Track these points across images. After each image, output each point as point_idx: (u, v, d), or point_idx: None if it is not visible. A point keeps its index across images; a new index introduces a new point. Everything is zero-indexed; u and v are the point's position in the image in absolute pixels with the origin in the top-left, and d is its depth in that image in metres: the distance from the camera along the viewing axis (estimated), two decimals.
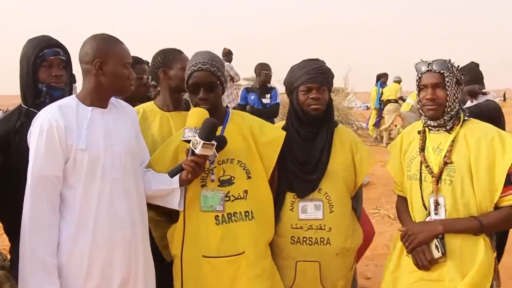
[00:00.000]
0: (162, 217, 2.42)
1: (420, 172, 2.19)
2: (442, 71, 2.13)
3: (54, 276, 1.90)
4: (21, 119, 2.28)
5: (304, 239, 2.36)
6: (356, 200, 2.55)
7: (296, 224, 2.37)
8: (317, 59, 2.49)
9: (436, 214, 2.12)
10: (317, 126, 2.42)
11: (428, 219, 2.15)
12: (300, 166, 2.40)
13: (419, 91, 2.21)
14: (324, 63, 2.47)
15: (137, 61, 3.16)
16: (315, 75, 2.38)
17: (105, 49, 2.01)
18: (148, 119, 2.57)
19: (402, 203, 2.39)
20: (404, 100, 11.90)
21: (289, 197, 2.40)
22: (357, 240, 2.46)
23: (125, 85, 2.07)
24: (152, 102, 2.69)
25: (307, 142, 2.42)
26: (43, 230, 1.90)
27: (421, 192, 2.18)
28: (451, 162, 2.12)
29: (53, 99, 2.19)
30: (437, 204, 2.12)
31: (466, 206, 2.08)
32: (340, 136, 2.48)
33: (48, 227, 1.91)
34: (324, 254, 2.35)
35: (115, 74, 2.02)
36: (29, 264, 1.88)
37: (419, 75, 2.19)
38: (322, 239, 2.35)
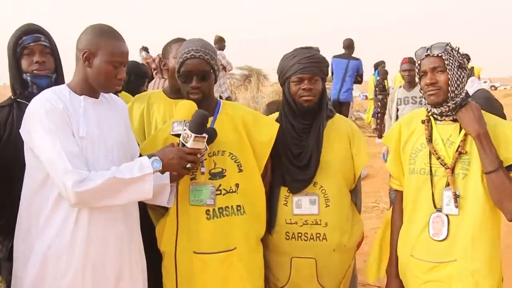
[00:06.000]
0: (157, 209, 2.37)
1: (430, 165, 2.07)
2: (440, 54, 2.02)
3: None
4: (12, 111, 2.22)
5: (299, 234, 2.28)
6: (355, 193, 2.47)
7: (290, 219, 2.30)
8: (310, 47, 2.40)
9: (456, 207, 2.00)
10: (310, 118, 2.34)
11: (434, 216, 2.03)
12: (294, 160, 2.32)
13: (420, 79, 2.09)
14: (318, 51, 2.39)
15: None
16: (307, 65, 2.29)
17: (97, 42, 1.93)
18: (153, 105, 2.55)
19: (400, 207, 2.24)
20: None
21: (283, 191, 2.33)
22: (356, 235, 2.38)
23: (109, 84, 1.98)
24: (161, 89, 2.73)
25: (301, 135, 2.34)
26: (117, 172, 1.84)
27: (432, 187, 2.05)
28: (465, 153, 2.02)
29: (40, 89, 2.11)
30: (456, 196, 2.00)
31: (477, 201, 1.99)
32: (336, 126, 2.39)
33: (113, 171, 1.84)
34: (321, 250, 2.28)
35: (101, 70, 1.93)
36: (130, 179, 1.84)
37: (419, 61, 2.08)
38: (318, 235, 2.27)
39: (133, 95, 2.92)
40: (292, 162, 2.32)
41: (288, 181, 2.32)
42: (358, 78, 8.31)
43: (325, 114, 2.37)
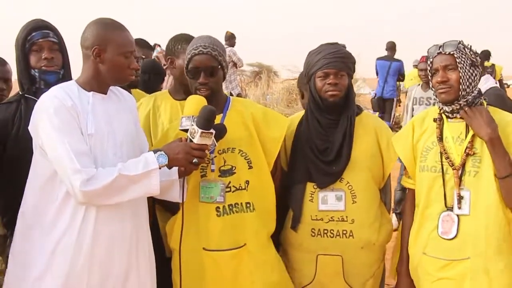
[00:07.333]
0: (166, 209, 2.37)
1: (442, 164, 2.07)
2: (452, 52, 2.02)
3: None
4: (20, 107, 2.22)
5: (325, 231, 2.26)
6: (385, 192, 2.44)
7: (316, 215, 2.28)
8: (336, 43, 2.38)
9: (459, 208, 2.01)
10: (336, 114, 2.31)
11: (444, 214, 2.03)
12: (320, 156, 2.30)
13: (432, 77, 2.09)
14: (344, 47, 2.37)
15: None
16: (332, 60, 2.27)
17: (104, 36, 1.92)
18: (159, 107, 2.53)
19: (412, 206, 2.23)
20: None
21: (309, 187, 2.31)
22: (385, 234, 2.35)
23: (124, 75, 1.98)
24: (167, 90, 2.69)
25: (328, 131, 2.32)
26: (123, 168, 1.83)
27: (444, 185, 2.06)
28: (473, 154, 2.01)
29: (48, 85, 2.11)
30: (460, 198, 2.01)
31: (490, 199, 1.98)
32: (363, 123, 2.37)
33: (119, 168, 1.83)
34: (347, 247, 2.25)
35: (114, 63, 1.93)
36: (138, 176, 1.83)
37: (431, 59, 2.08)
38: (344, 232, 2.25)
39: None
40: (318, 157, 2.30)
41: (315, 175, 2.30)
42: (400, 77, 9.31)
43: (352, 110, 2.35)
